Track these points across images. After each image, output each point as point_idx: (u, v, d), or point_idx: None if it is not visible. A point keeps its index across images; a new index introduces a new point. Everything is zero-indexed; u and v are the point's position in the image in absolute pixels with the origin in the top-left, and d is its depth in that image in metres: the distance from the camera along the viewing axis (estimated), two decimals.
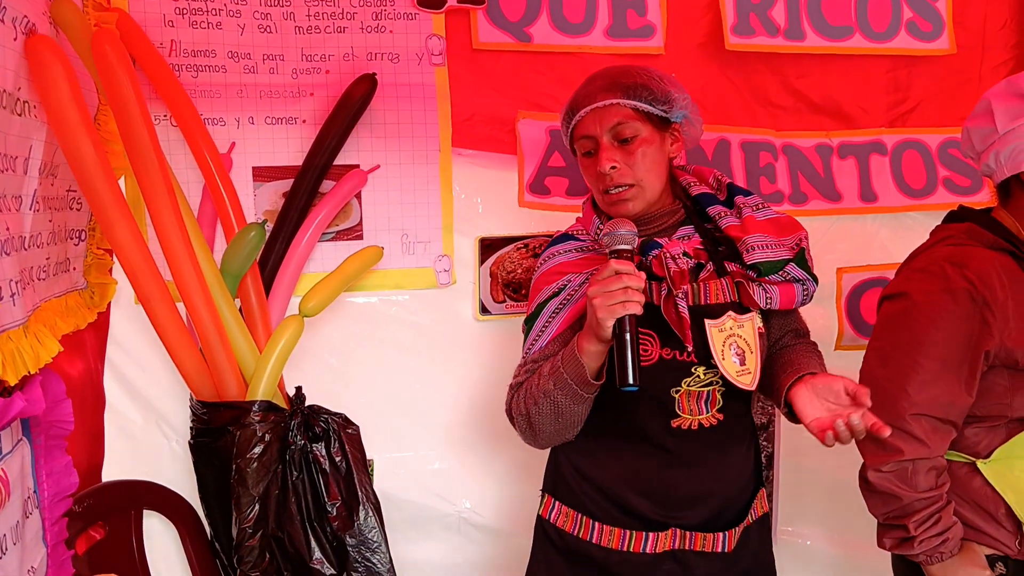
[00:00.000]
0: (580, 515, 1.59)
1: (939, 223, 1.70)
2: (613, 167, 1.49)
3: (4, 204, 1.26)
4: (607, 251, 1.40)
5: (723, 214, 1.57)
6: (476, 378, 2.27)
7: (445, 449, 2.30)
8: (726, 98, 2.38)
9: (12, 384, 1.17)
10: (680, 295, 1.44)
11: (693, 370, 1.48)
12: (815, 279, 1.59)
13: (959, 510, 1.53)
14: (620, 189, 1.51)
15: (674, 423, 1.51)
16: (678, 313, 1.43)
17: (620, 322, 1.32)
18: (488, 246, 2.26)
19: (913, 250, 1.68)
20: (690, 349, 1.45)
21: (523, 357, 1.60)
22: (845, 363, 2.20)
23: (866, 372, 1.59)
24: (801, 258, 1.57)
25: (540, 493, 1.71)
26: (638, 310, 1.32)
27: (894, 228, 2.47)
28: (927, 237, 1.68)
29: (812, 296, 1.61)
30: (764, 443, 2.48)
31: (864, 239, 2.48)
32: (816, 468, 2.48)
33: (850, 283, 2.48)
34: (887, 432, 1.31)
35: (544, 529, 1.66)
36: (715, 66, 2.36)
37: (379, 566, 1.95)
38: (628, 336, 1.31)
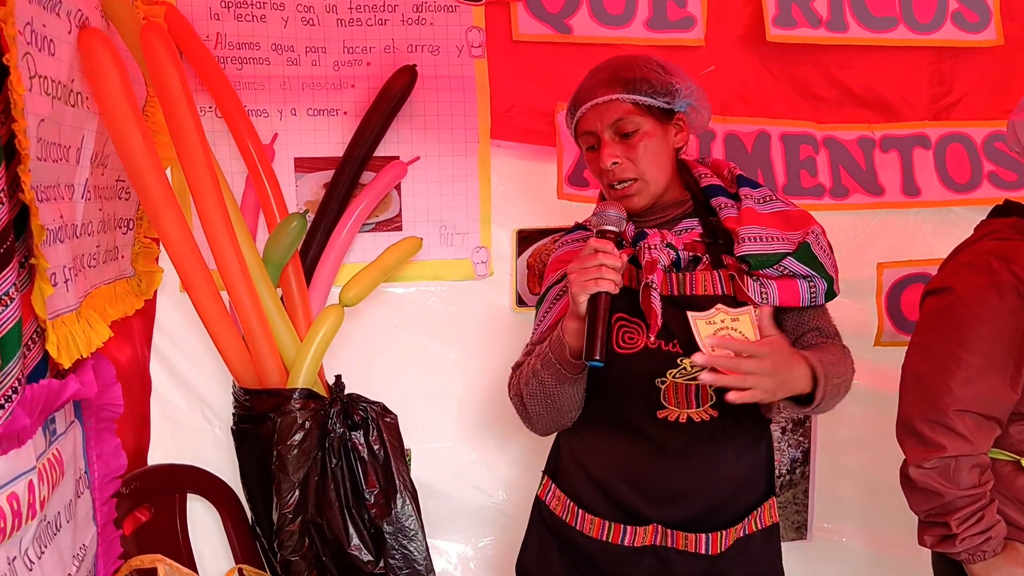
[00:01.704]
0: (570, 501, 1.60)
1: (984, 218, 1.67)
2: (615, 163, 1.50)
3: (57, 193, 1.29)
4: (594, 230, 1.43)
5: (724, 205, 1.54)
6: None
7: (481, 440, 2.32)
8: (766, 90, 2.36)
9: (66, 367, 1.21)
10: (650, 282, 1.43)
11: (679, 361, 1.45)
12: (827, 277, 1.52)
13: (1003, 509, 1.51)
14: (624, 184, 1.51)
15: (660, 414, 1.48)
16: (650, 303, 1.43)
17: (594, 299, 1.33)
18: (525, 238, 2.27)
19: (957, 245, 1.65)
20: (652, 338, 1.44)
21: (527, 343, 1.64)
22: (885, 359, 2.18)
23: (909, 367, 1.57)
24: (805, 253, 1.49)
25: (541, 473, 1.72)
26: (611, 288, 1.33)
27: (937, 223, 2.43)
28: (971, 232, 1.66)
29: (826, 294, 1.53)
30: (800, 438, 2.47)
31: (906, 234, 2.45)
32: (853, 465, 2.46)
33: (891, 278, 2.45)
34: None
35: (539, 509, 1.68)
36: (755, 58, 2.34)
37: (415, 554, 1.98)
38: (598, 312, 1.33)
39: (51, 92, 1.23)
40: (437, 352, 2.27)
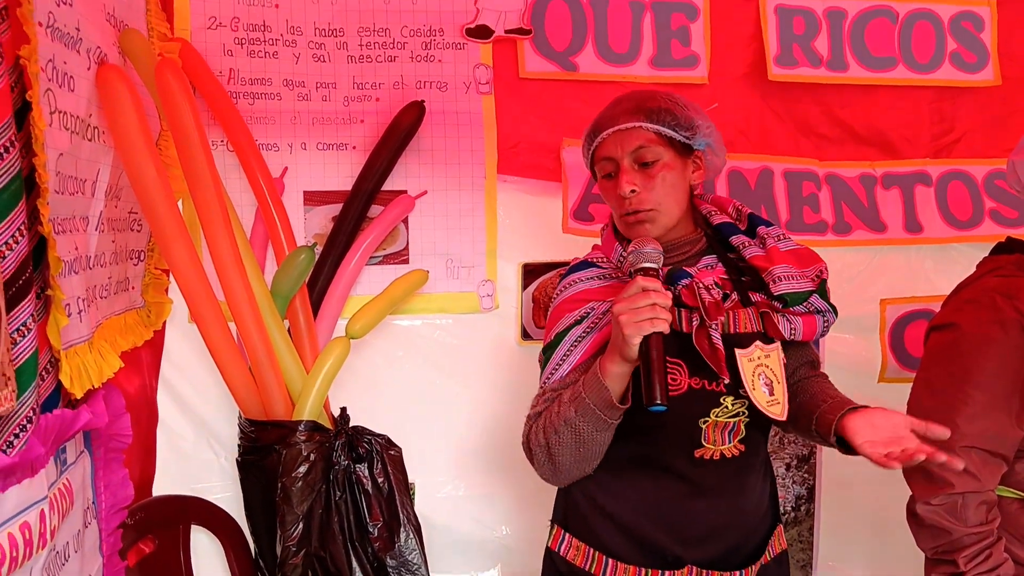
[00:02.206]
0: (592, 550, 1.53)
1: (986, 254, 1.68)
2: (633, 191, 1.46)
3: (73, 225, 1.31)
4: (631, 270, 1.38)
5: (746, 244, 1.55)
6: (517, 403, 2.26)
7: (485, 474, 2.31)
8: (769, 127, 2.40)
9: (78, 397, 1.22)
10: (714, 326, 1.42)
11: (721, 400, 1.45)
12: (835, 311, 1.57)
13: (1010, 547, 1.50)
14: (639, 213, 1.48)
15: (697, 453, 1.47)
16: (711, 343, 1.41)
17: (646, 340, 1.29)
18: (531, 271, 2.28)
19: (961, 281, 1.66)
20: (726, 380, 1.41)
21: (541, 387, 1.54)
22: (889, 396, 2.17)
23: (914, 403, 1.57)
24: (822, 289, 1.55)
25: (549, 523, 1.65)
26: (665, 328, 1.29)
27: (939, 259, 2.45)
28: (973, 269, 1.67)
29: (830, 328, 1.58)
30: (805, 475, 2.46)
31: (909, 270, 2.47)
32: (858, 502, 2.45)
33: (894, 315, 2.46)
34: (942, 457, 1.30)
35: (553, 561, 1.61)
36: (758, 96, 2.38)
37: None
38: (654, 354, 1.28)
39: (70, 127, 1.26)
40: (442, 385, 2.27)
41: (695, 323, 1.44)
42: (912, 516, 1.51)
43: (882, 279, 2.45)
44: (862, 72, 2.40)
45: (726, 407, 1.46)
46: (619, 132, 1.49)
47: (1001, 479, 1.50)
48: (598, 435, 1.40)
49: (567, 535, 1.58)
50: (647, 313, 1.28)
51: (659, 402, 1.27)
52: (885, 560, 2.43)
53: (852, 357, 2.45)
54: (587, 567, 1.53)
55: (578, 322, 1.51)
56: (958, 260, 2.34)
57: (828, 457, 2.44)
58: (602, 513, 1.53)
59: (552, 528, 1.63)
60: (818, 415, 1.50)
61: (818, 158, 2.43)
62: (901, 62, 2.41)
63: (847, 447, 1.44)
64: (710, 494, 1.49)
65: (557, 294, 1.59)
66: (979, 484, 1.45)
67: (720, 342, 1.41)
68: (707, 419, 1.45)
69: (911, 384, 1.61)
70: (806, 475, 2.46)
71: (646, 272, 1.36)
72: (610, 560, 1.51)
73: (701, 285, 1.45)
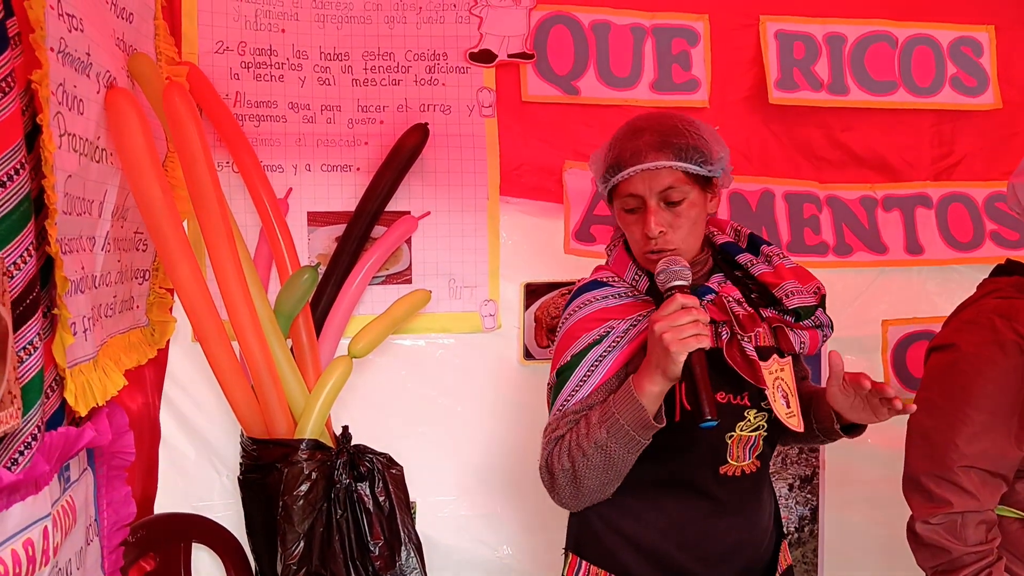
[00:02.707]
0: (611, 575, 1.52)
1: (986, 276, 1.69)
2: (662, 232, 1.44)
3: (80, 245, 1.33)
4: (663, 288, 1.37)
5: (753, 262, 1.57)
6: (520, 423, 2.30)
7: (487, 494, 2.31)
8: (770, 150, 2.42)
9: (82, 415, 1.23)
10: (747, 338, 1.43)
11: (745, 414, 1.47)
12: (832, 326, 1.62)
13: (1011, 567, 1.50)
14: (664, 252, 1.46)
15: (722, 470, 1.48)
16: (745, 356, 1.42)
17: (690, 357, 1.29)
18: (533, 291, 2.30)
19: (960, 303, 1.67)
20: (764, 388, 1.42)
21: (558, 410, 1.49)
22: (892, 417, 2.18)
23: (914, 423, 1.58)
24: (823, 304, 1.61)
25: (563, 552, 1.62)
26: (707, 344, 1.30)
27: (940, 281, 2.46)
28: (974, 290, 1.68)
29: (827, 341, 1.64)
30: (808, 495, 2.45)
31: (910, 292, 2.47)
32: (862, 523, 2.44)
33: (896, 336, 2.46)
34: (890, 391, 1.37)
35: None
36: (759, 119, 2.40)
37: None
38: (699, 370, 1.28)
39: (79, 149, 1.28)
40: (444, 404, 2.28)
41: (724, 336, 1.45)
42: (912, 535, 1.51)
43: (884, 300, 2.46)
44: (863, 96, 2.42)
45: (749, 420, 1.48)
46: (648, 172, 1.44)
47: (1001, 499, 1.50)
48: (629, 456, 1.39)
49: (583, 563, 1.56)
50: (691, 330, 1.29)
51: (710, 418, 1.27)
52: None
53: None
54: None
55: (597, 341, 1.48)
56: (959, 281, 2.34)
57: (831, 478, 2.44)
58: (622, 536, 1.51)
59: (567, 557, 1.60)
60: (812, 409, 1.56)
61: (819, 180, 2.44)
62: (901, 86, 2.44)
63: (847, 428, 1.51)
64: (731, 511, 1.50)
65: (569, 315, 1.55)
66: (979, 504, 1.45)
67: (754, 353, 1.43)
68: (732, 434, 1.47)
69: None
70: (809, 495, 2.45)
71: (680, 290, 1.35)
72: None
73: (732, 299, 1.48)
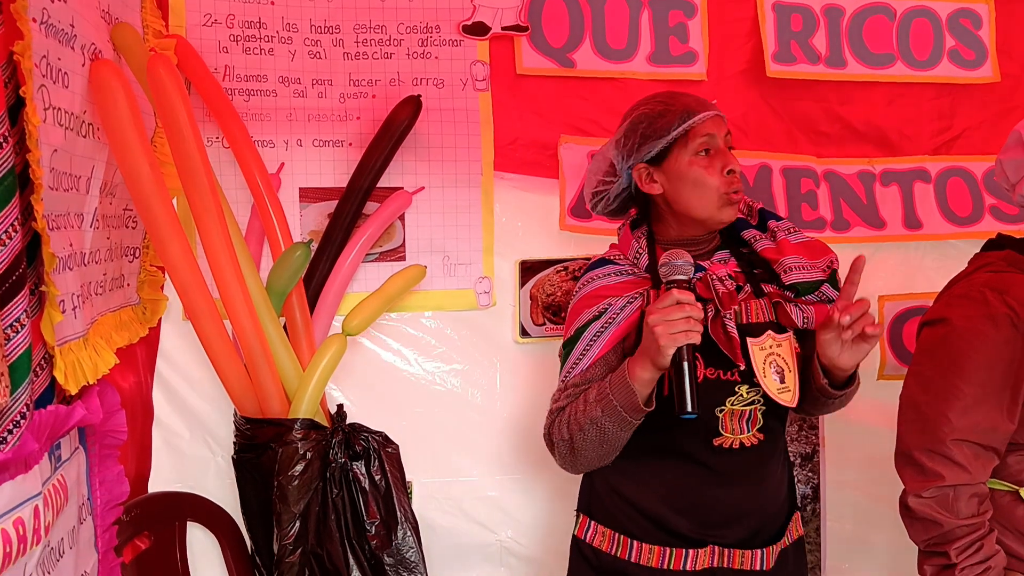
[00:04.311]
0: (617, 534, 1.61)
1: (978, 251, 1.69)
2: (737, 170, 1.56)
3: (67, 221, 1.31)
4: (664, 280, 1.43)
5: (757, 237, 1.64)
6: (515, 401, 2.28)
7: (485, 475, 2.29)
8: (767, 124, 2.39)
9: (73, 393, 1.21)
10: (728, 315, 1.49)
11: (736, 389, 1.53)
12: None
13: (1002, 539, 1.51)
14: (737, 192, 1.56)
15: (716, 441, 1.54)
16: (727, 333, 1.48)
17: (679, 350, 1.35)
18: (528, 269, 2.28)
19: (952, 277, 1.67)
20: (741, 367, 1.48)
21: (562, 381, 1.61)
22: (888, 393, 2.16)
23: (906, 397, 1.58)
24: (833, 279, 1.63)
25: (575, 513, 1.72)
26: (697, 339, 1.36)
27: (939, 256, 2.45)
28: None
29: None
30: (809, 474, 2.45)
31: (908, 267, 2.46)
32: (863, 501, 2.44)
33: (893, 311, 2.46)
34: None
35: (580, 549, 1.67)
36: (756, 93, 2.37)
37: None
38: (686, 364, 1.35)
39: (64, 123, 1.26)
40: (439, 382, 2.27)
41: (711, 314, 1.51)
42: (904, 509, 1.52)
43: (881, 276, 2.44)
44: (861, 69, 2.39)
45: (741, 395, 1.53)
46: (717, 117, 1.58)
47: (993, 472, 1.51)
48: (622, 433, 1.48)
49: (592, 522, 1.65)
50: (682, 325, 1.35)
51: (690, 411, 1.34)
52: (897, 559, 2.41)
53: None
54: (612, 551, 1.60)
55: (596, 318, 1.57)
56: (957, 257, 2.29)
57: (831, 456, 2.43)
58: (625, 501, 1.60)
59: (578, 517, 1.70)
60: (808, 374, 1.59)
61: (816, 155, 2.42)
62: (900, 59, 2.41)
63: (842, 385, 1.55)
64: (732, 482, 1.56)
65: (576, 291, 1.66)
66: (970, 476, 1.46)
67: (735, 331, 1.49)
68: (723, 408, 1.52)
69: None
70: (810, 474, 2.45)
71: (678, 284, 1.41)
72: (635, 542, 1.58)
73: (715, 277, 1.55)
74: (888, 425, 2.08)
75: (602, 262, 1.67)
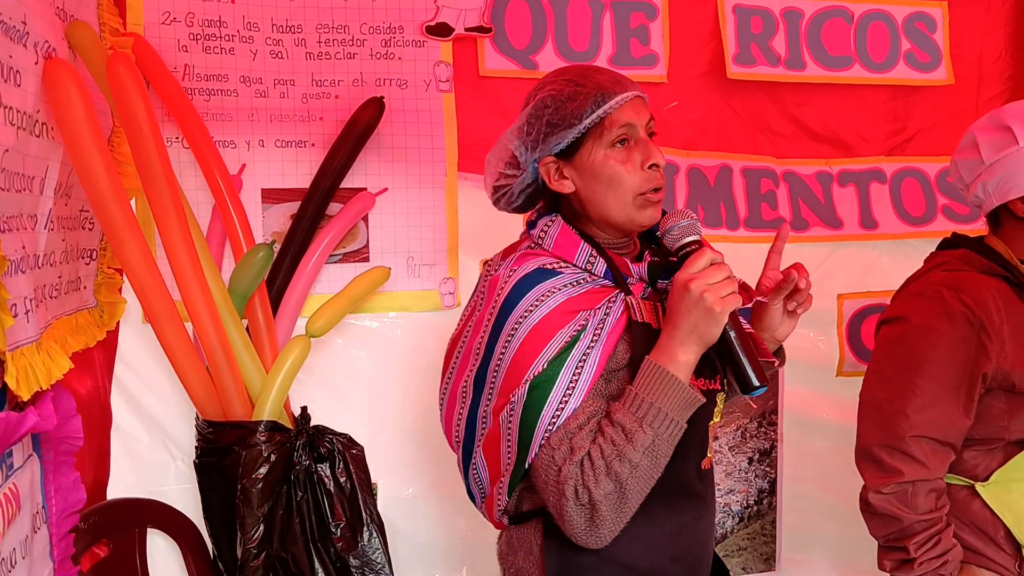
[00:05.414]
0: None
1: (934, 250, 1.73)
2: (660, 164, 1.27)
3: (20, 223, 1.28)
4: (673, 247, 1.23)
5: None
6: None
7: (450, 476, 2.28)
8: (728, 125, 2.42)
9: (25, 399, 1.19)
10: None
11: (716, 399, 1.33)
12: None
13: (959, 533, 1.54)
14: (661, 191, 1.29)
15: (704, 463, 1.34)
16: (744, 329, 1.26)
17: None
18: None
19: (909, 276, 1.70)
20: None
21: (547, 431, 1.19)
22: (846, 390, 2.21)
23: (866, 395, 1.61)
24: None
25: None
26: (741, 303, 1.17)
27: (894, 255, 2.50)
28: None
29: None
30: (767, 468, 2.49)
31: (864, 266, 2.51)
32: (819, 495, 2.49)
33: (851, 309, 2.50)
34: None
35: None
36: (717, 94, 2.40)
37: None
38: (733, 333, 1.15)
39: (16, 123, 1.23)
40: (404, 384, 2.26)
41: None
42: (865, 504, 1.54)
43: (839, 274, 2.49)
44: (819, 71, 2.44)
45: (718, 405, 1.35)
46: (638, 99, 1.29)
47: (950, 467, 1.54)
48: (670, 452, 1.19)
49: None
50: (728, 287, 1.14)
51: (759, 384, 1.14)
52: (846, 551, 2.46)
53: (811, 352, 2.48)
54: None
55: (575, 338, 1.22)
56: (912, 255, 2.35)
57: (789, 451, 2.48)
58: (612, 562, 1.26)
59: None
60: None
61: (776, 156, 2.46)
62: (857, 61, 2.46)
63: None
64: (707, 509, 1.37)
65: (528, 310, 1.23)
66: (928, 472, 1.48)
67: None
68: (712, 420, 1.34)
69: None
70: (768, 468, 2.49)
71: (690, 246, 1.22)
72: None
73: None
74: (846, 421, 2.12)
75: (546, 273, 1.27)
